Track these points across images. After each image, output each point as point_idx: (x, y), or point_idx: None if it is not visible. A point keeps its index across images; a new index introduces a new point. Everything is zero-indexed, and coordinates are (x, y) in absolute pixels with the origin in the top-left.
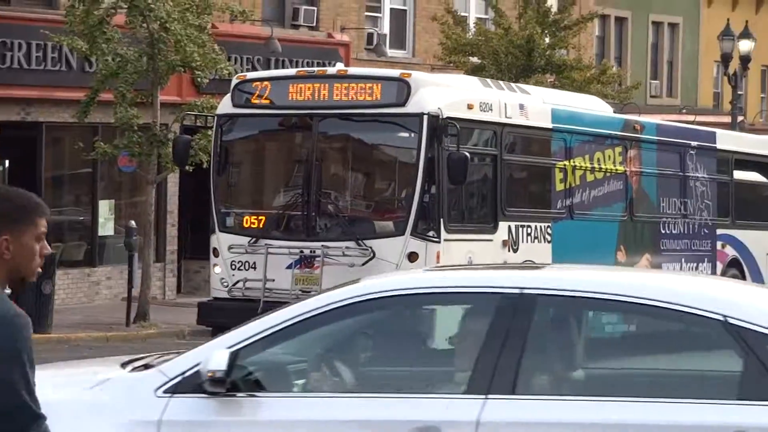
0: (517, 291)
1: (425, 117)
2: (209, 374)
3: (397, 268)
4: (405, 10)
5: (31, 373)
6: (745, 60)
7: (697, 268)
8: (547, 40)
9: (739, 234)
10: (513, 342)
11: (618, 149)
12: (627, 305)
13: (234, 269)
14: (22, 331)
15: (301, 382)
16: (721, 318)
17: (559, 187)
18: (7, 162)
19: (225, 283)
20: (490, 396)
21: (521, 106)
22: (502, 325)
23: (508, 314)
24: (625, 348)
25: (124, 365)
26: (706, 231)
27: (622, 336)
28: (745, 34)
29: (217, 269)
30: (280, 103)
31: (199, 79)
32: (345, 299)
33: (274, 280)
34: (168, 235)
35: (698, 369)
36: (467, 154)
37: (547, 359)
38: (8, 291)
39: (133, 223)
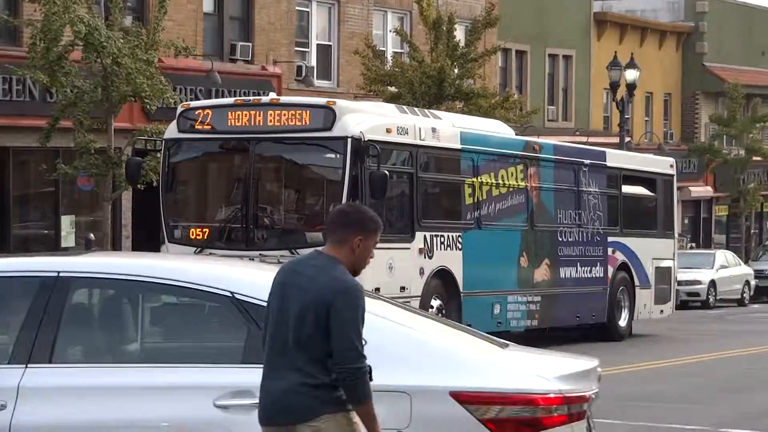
0: (54, 274)
1: (349, 140)
2: None
3: None
4: (330, 45)
5: (361, 327)
6: (631, 87)
7: (590, 271)
8: (456, 71)
9: (627, 241)
10: (50, 318)
11: (520, 167)
12: (151, 285)
13: None
14: (358, 297)
15: None
16: (229, 294)
17: (468, 201)
18: None
19: None
20: (30, 365)
21: (434, 130)
22: (42, 303)
23: (47, 294)
24: (152, 322)
25: None
26: (598, 239)
27: (150, 311)
28: (631, 65)
29: None
30: (221, 129)
31: (148, 107)
32: None
33: None
34: (123, 246)
35: (212, 338)
36: (386, 172)
37: (81, 332)
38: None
39: (91, 235)
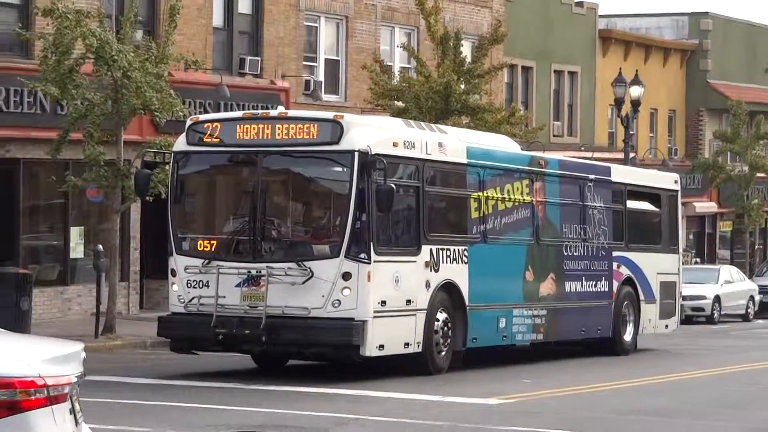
0: None
1: (356, 153)
2: None
3: (333, 287)
4: (338, 60)
5: None
6: (636, 104)
7: (596, 286)
8: (462, 86)
9: (632, 256)
10: None
11: (525, 182)
12: None
13: (189, 287)
14: None
15: None
16: None
17: (474, 215)
18: None
19: (182, 300)
20: None
21: (440, 144)
22: None
23: None
24: None
25: None
26: (603, 253)
27: None
28: (636, 82)
29: (175, 287)
30: (229, 142)
31: (157, 120)
32: None
33: (224, 297)
34: (131, 257)
35: None
36: (393, 186)
37: None
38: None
39: (100, 247)
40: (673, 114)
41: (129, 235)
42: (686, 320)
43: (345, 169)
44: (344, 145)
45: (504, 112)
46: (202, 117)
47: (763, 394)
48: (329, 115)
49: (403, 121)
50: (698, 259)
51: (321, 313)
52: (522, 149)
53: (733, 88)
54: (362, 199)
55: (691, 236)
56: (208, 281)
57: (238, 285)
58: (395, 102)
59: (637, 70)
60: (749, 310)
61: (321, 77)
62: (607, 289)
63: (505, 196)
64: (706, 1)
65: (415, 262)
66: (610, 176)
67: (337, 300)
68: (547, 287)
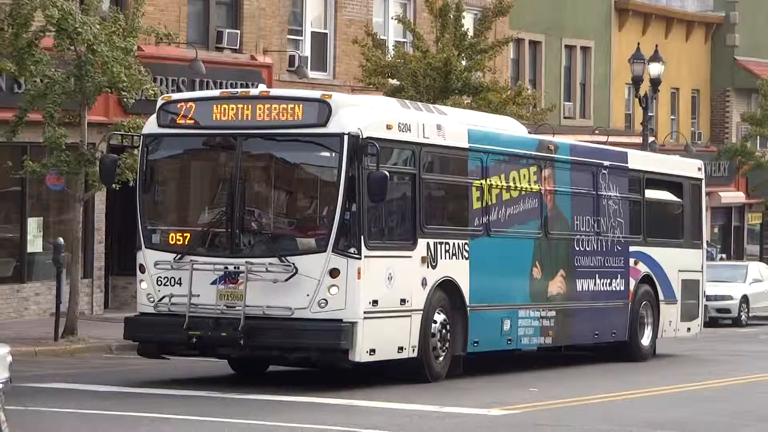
0: None
1: (346, 137)
2: None
3: (319, 285)
4: (326, 34)
5: None
6: (656, 83)
7: (610, 284)
8: (463, 62)
9: (651, 251)
10: None
11: (533, 168)
12: None
13: (160, 285)
14: None
15: None
16: None
17: (476, 205)
18: None
19: (151, 299)
20: None
21: (439, 127)
22: None
23: None
24: None
25: None
26: (619, 248)
27: None
28: (655, 58)
29: (144, 285)
30: (205, 123)
31: (125, 100)
32: None
33: (199, 296)
34: (95, 252)
35: None
36: (386, 173)
37: None
38: None
39: (61, 240)
40: (697, 94)
41: (93, 227)
42: (711, 322)
43: (333, 154)
44: (332, 127)
45: (510, 92)
46: (175, 96)
47: None
48: (316, 94)
49: (398, 102)
50: (724, 255)
51: (306, 314)
52: (529, 132)
53: (763, 66)
54: (352, 188)
55: (716, 230)
56: (180, 278)
57: (214, 282)
58: (389, 80)
59: (656, 46)
60: None
61: (307, 52)
62: (623, 288)
63: (511, 184)
64: None
65: (410, 257)
66: (626, 163)
67: (324, 299)
68: (556, 286)
